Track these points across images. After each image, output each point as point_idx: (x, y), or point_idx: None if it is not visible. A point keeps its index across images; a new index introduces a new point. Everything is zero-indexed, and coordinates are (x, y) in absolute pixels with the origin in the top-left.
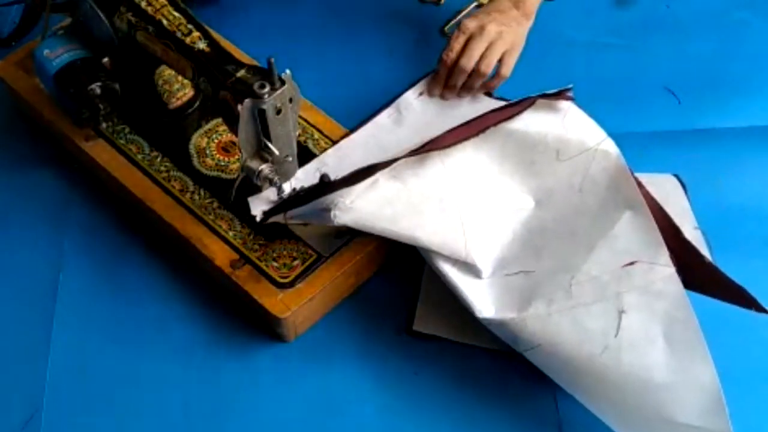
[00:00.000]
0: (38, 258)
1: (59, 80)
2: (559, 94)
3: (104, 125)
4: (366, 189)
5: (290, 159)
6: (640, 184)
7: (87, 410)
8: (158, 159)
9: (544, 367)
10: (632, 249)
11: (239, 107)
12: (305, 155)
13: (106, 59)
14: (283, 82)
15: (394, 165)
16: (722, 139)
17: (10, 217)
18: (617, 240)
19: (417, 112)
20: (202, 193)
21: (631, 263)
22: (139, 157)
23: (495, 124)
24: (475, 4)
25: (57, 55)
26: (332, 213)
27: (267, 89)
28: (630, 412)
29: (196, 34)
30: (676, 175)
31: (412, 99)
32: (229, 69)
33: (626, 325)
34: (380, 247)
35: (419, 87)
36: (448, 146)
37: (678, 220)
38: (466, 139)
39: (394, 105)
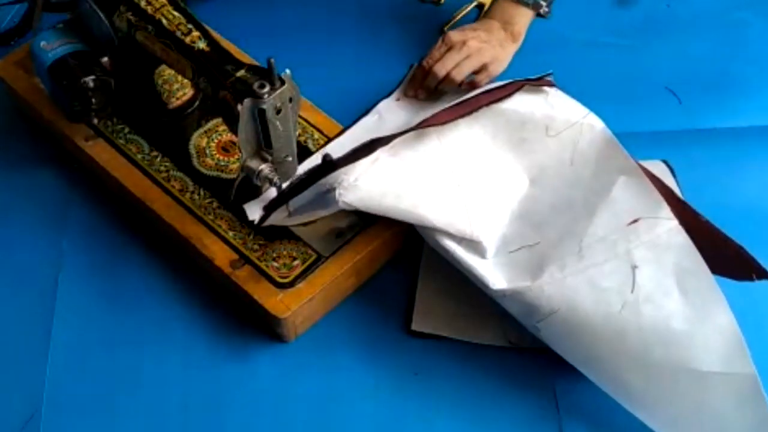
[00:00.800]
0: (38, 258)
1: (53, 72)
2: (541, 80)
3: (96, 121)
4: (369, 167)
5: (290, 159)
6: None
7: (87, 410)
8: (158, 159)
9: (560, 339)
10: (633, 208)
11: (239, 107)
12: (305, 155)
13: (105, 59)
14: (282, 82)
15: (393, 143)
16: (723, 139)
17: (10, 217)
18: (617, 203)
19: (397, 114)
20: (201, 193)
21: (635, 220)
22: (139, 156)
23: (487, 104)
24: (474, 3)
25: (53, 47)
26: (337, 192)
27: (267, 89)
28: (653, 372)
29: (195, 33)
30: (664, 161)
31: (391, 103)
32: (229, 69)
33: (640, 279)
34: (380, 247)
35: (396, 93)
36: (443, 123)
37: None
38: (461, 116)
39: (374, 110)
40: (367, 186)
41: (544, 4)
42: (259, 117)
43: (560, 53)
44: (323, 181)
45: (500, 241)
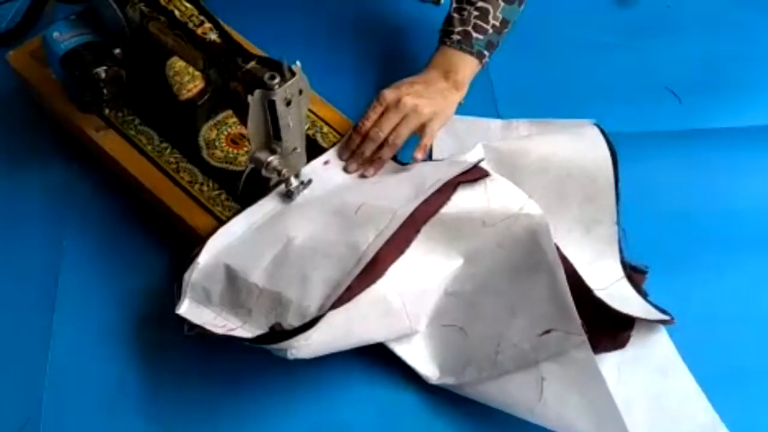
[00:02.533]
0: (39, 254)
1: (66, 63)
2: (476, 168)
3: (107, 111)
4: (320, 325)
5: (298, 151)
6: (558, 248)
7: (85, 412)
8: (168, 150)
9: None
10: (548, 315)
11: (249, 98)
12: (314, 148)
13: (117, 50)
14: (293, 74)
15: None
16: (722, 139)
17: (11, 210)
18: (535, 306)
19: (323, 180)
20: (210, 184)
21: (548, 331)
22: (149, 148)
23: (425, 221)
24: None
25: (66, 38)
26: (288, 353)
27: (277, 80)
28: None
29: (207, 25)
30: (596, 123)
31: (317, 166)
32: (240, 60)
33: (548, 390)
34: None
35: (326, 156)
36: (392, 262)
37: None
38: (408, 245)
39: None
40: (318, 340)
41: (487, 54)
42: (269, 108)
43: (560, 53)
44: (273, 345)
45: (433, 313)
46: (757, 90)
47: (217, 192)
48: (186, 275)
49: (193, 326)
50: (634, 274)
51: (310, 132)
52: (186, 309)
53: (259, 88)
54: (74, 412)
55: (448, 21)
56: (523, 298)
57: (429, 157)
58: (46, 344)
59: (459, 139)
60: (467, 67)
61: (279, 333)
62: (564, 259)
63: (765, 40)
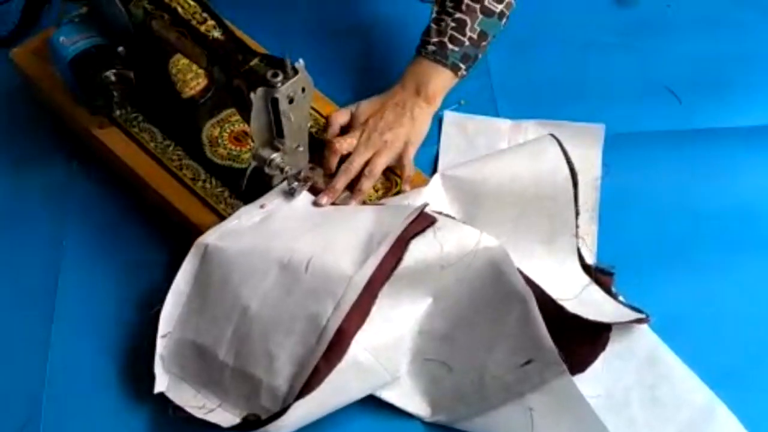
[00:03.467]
0: (38, 254)
1: (74, 67)
2: (420, 218)
3: (118, 112)
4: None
5: (301, 149)
6: (521, 272)
7: (85, 412)
8: (171, 148)
9: None
10: (525, 347)
11: (252, 95)
12: (316, 145)
13: (121, 48)
14: (296, 72)
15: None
16: (722, 138)
17: (11, 209)
18: (511, 338)
19: (256, 225)
20: (213, 182)
21: (528, 362)
22: (152, 145)
23: (382, 285)
24: None
25: (73, 42)
26: (265, 429)
27: (280, 78)
28: None
29: (210, 22)
30: None
31: (253, 211)
32: (243, 58)
33: (537, 419)
34: None
35: (262, 200)
36: (355, 333)
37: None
38: (368, 313)
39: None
40: (295, 419)
41: (463, 67)
42: (272, 106)
43: (560, 53)
44: None
45: (413, 351)
46: (757, 90)
47: (220, 189)
48: (157, 349)
49: (176, 408)
50: (601, 277)
51: (313, 130)
52: (167, 386)
53: (262, 86)
54: (74, 411)
55: (427, 31)
56: (497, 330)
57: (436, 157)
58: (46, 344)
59: (468, 138)
60: (440, 79)
61: (254, 422)
62: (530, 283)
63: (765, 40)
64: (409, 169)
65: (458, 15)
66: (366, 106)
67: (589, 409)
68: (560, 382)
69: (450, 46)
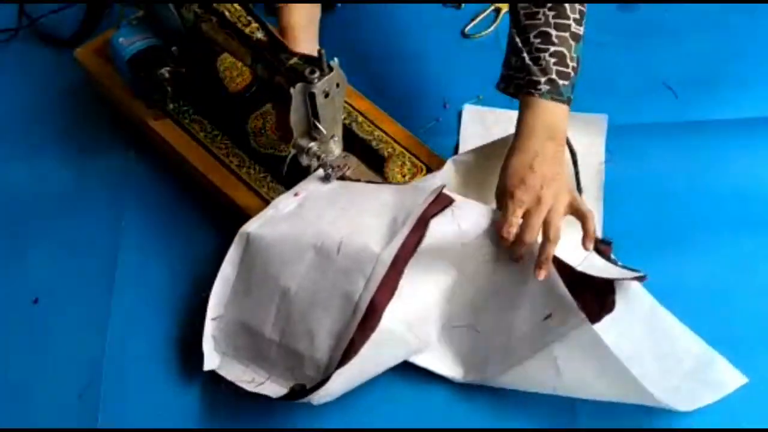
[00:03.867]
0: (99, 233)
1: (132, 65)
2: (440, 198)
3: (171, 106)
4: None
5: (336, 138)
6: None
7: (142, 380)
8: (218, 137)
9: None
10: (546, 302)
11: (292, 90)
12: (350, 136)
13: (174, 48)
14: (331, 69)
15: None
16: (715, 130)
17: (75, 193)
18: (533, 296)
19: (291, 213)
20: (257, 168)
21: (549, 315)
22: (201, 135)
23: (406, 262)
24: (492, 8)
25: (131, 42)
26: (310, 398)
27: (317, 75)
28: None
29: (254, 25)
30: None
31: (288, 200)
32: (283, 57)
33: (563, 367)
34: None
35: (296, 188)
36: (386, 305)
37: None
38: (396, 287)
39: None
40: (336, 386)
41: (572, 95)
42: (309, 100)
43: None
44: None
45: (442, 320)
46: (747, 85)
47: (263, 174)
48: (206, 330)
49: (228, 383)
50: (601, 246)
51: (347, 121)
52: (219, 364)
53: (300, 82)
54: (131, 379)
55: (525, 70)
56: (520, 291)
57: (456, 145)
58: (106, 315)
59: (486, 127)
60: (564, 117)
61: (300, 392)
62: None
63: (753, 40)
64: (589, 216)
65: (554, 48)
66: (521, 191)
67: (609, 352)
68: (580, 331)
69: (560, 81)
